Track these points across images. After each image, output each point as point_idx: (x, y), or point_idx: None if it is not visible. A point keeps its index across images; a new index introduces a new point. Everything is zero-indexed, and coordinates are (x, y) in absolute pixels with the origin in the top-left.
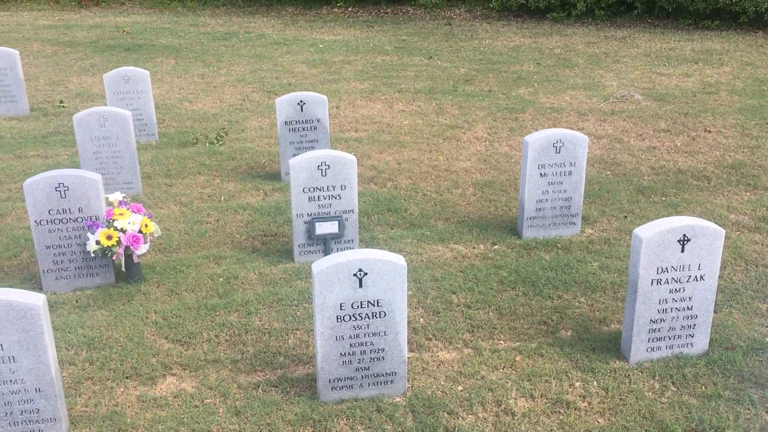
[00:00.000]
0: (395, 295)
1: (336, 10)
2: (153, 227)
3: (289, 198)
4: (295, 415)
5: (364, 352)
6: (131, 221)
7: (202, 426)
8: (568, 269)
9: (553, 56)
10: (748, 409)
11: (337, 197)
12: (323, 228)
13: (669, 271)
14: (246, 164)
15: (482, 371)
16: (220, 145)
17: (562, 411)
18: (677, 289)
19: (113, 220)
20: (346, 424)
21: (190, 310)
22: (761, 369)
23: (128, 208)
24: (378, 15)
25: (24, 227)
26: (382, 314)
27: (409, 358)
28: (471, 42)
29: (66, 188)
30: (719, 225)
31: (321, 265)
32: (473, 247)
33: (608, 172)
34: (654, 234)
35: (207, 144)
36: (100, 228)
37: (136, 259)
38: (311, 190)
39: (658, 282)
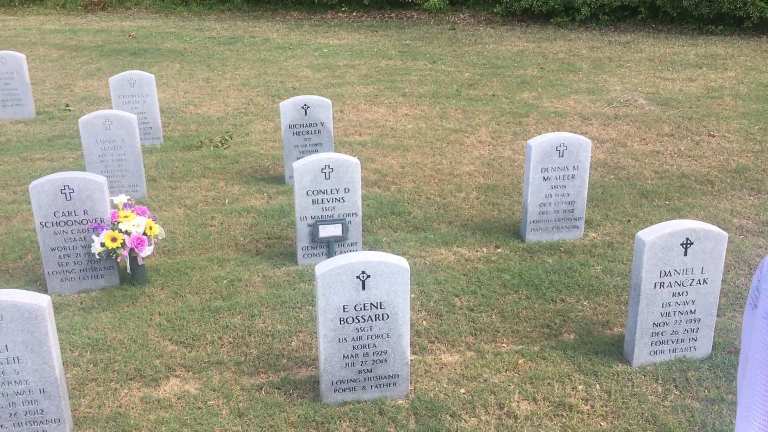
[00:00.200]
0: (398, 297)
1: (340, 14)
2: (157, 230)
3: (293, 201)
4: (298, 417)
5: (367, 354)
6: (136, 223)
7: (205, 427)
8: (571, 272)
9: (556, 61)
10: None
11: (341, 200)
12: (327, 231)
13: (672, 274)
14: (250, 167)
15: (485, 374)
16: (225, 148)
17: (564, 414)
18: (680, 293)
19: (118, 223)
20: (348, 426)
21: (193, 312)
22: None
23: (133, 211)
24: (382, 20)
25: (29, 229)
26: (385, 316)
27: (411, 360)
28: (475, 46)
29: (71, 190)
30: (723, 229)
31: (324, 267)
32: (476, 251)
33: (611, 176)
34: (657, 237)
35: (211, 147)
36: (104, 230)
37: (140, 262)
38: (315, 193)
39: (661, 285)
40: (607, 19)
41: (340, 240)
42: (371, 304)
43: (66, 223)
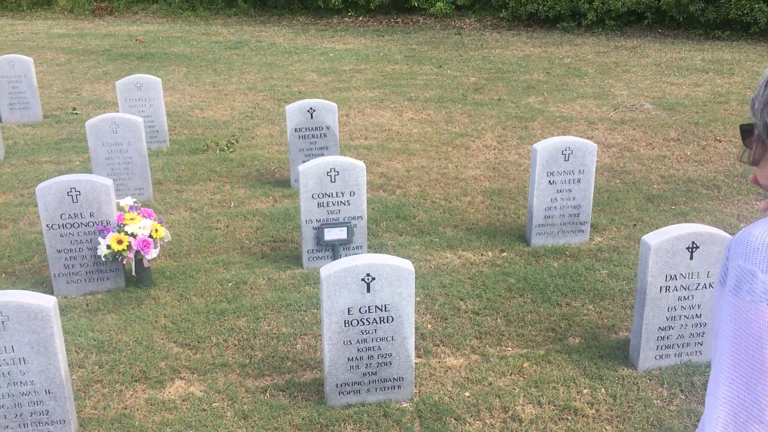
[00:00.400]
0: (403, 300)
1: (347, 19)
2: (163, 232)
3: (299, 204)
4: (303, 419)
5: (372, 356)
6: (142, 226)
7: (209, 429)
8: (577, 277)
9: (562, 66)
10: None
11: (346, 203)
12: (332, 234)
13: (678, 278)
14: (256, 171)
15: (490, 377)
16: (231, 152)
17: (569, 418)
18: (686, 297)
19: (124, 225)
20: (353, 429)
21: (199, 314)
22: None
23: (139, 213)
24: (388, 24)
25: (36, 232)
26: (390, 319)
27: (416, 363)
28: (481, 51)
29: (78, 193)
30: (729, 233)
31: (329, 269)
32: (481, 254)
33: (617, 181)
34: (663, 241)
35: (217, 151)
36: (111, 232)
37: (146, 264)
38: (320, 196)
39: (667, 289)
40: (613, 24)
41: (345, 243)
42: (376, 306)
43: (72, 225)
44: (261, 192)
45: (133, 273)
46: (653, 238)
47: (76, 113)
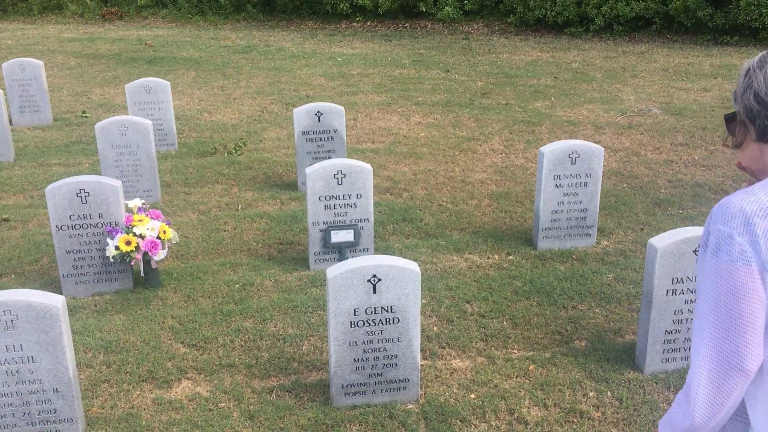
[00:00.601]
0: (409, 301)
1: (355, 24)
2: (171, 233)
3: (306, 207)
4: (308, 420)
5: (378, 358)
6: (150, 227)
7: (216, 429)
8: (583, 280)
9: (570, 70)
10: None
11: (353, 206)
12: (338, 236)
13: (684, 281)
14: (263, 174)
15: (495, 380)
16: (239, 155)
17: (575, 420)
18: (693, 300)
19: (132, 226)
20: (358, 430)
21: (206, 315)
22: None
23: (147, 215)
24: (396, 29)
25: (45, 233)
26: (396, 320)
27: (422, 365)
28: (488, 56)
29: (87, 194)
30: None
31: (335, 270)
32: (488, 257)
33: (625, 185)
34: (669, 244)
35: (225, 154)
36: (119, 233)
37: (154, 265)
38: (327, 198)
39: (674, 292)
40: (621, 30)
41: (351, 245)
42: (382, 307)
43: (81, 226)
44: (268, 195)
45: (141, 274)
46: (660, 241)
47: (86, 116)
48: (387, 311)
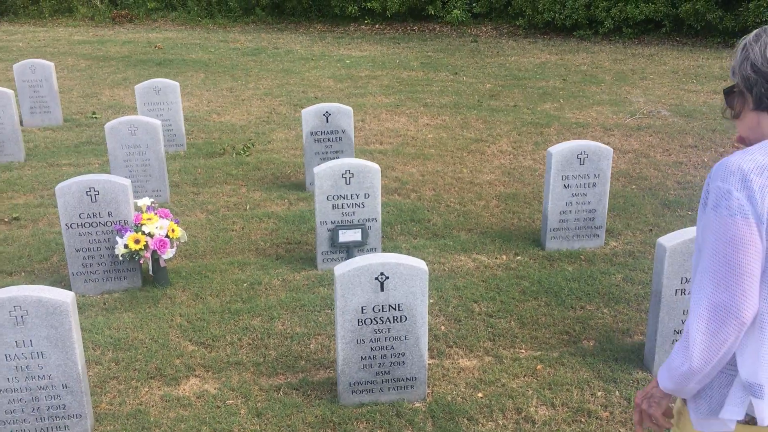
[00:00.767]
0: (416, 299)
1: (363, 27)
2: (179, 232)
3: (313, 207)
4: (316, 417)
5: (385, 356)
6: (159, 226)
7: (223, 426)
8: (592, 281)
9: (579, 73)
10: None
11: (361, 205)
12: (346, 236)
13: None
14: (271, 174)
15: (503, 379)
16: (247, 155)
17: (583, 420)
18: None
19: (141, 225)
20: (365, 428)
21: (214, 314)
22: None
23: (156, 214)
24: (405, 32)
25: (55, 232)
26: (403, 318)
27: (429, 364)
28: (497, 58)
29: (96, 193)
30: None
31: (343, 268)
32: (496, 258)
33: (633, 186)
34: (678, 243)
35: (234, 154)
36: (128, 232)
37: (162, 264)
38: (335, 197)
39: (683, 292)
40: (630, 32)
41: (359, 245)
42: (389, 305)
43: (91, 224)
44: (276, 195)
45: (150, 272)
46: (669, 241)
47: (96, 117)
48: (394, 309)
